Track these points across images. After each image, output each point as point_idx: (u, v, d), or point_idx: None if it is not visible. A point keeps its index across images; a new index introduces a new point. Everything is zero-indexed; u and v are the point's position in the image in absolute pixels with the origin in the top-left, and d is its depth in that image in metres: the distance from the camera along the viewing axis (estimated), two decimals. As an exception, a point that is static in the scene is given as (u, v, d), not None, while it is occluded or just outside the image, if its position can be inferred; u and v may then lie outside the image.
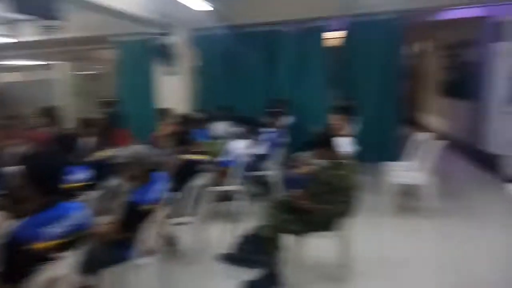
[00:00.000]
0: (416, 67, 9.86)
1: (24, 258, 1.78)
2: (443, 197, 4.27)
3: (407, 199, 4.31)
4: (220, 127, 5.13)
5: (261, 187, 4.63)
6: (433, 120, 8.87)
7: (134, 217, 2.45)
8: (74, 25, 4.61)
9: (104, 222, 2.48)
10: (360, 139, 4.56)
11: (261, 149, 4.65)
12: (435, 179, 4.07)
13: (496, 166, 5.28)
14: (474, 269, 3.02)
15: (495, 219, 3.96)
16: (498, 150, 5.40)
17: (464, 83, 6.78)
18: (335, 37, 5.83)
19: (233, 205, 4.17)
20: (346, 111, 4.60)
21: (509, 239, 3.50)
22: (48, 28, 3.62)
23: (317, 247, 2.97)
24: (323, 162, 2.96)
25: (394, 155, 4.98)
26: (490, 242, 3.47)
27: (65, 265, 1.88)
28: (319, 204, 2.78)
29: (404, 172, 4.27)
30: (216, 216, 4.01)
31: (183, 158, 3.50)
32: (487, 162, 5.60)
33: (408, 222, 3.95)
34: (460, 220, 3.96)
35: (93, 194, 3.07)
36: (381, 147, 5.24)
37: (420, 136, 4.51)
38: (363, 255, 3.17)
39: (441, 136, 4.69)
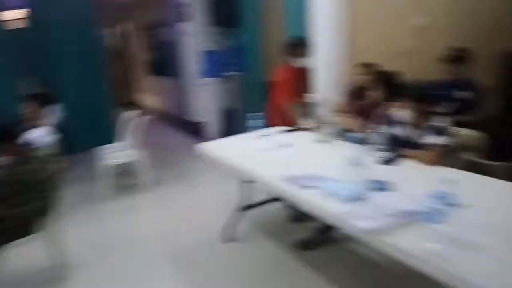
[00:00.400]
0: (123, 48, 9.95)
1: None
2: (158, 169, 4.54)
3: (125, 179, 4.35)
4: None
5: None
6: (147, 98, 9.28)
7: None
8: None
9: None
10: (66, 127, 4.21)
11: None
12: (148, 153, 4.25)
13: (198, 132, 6.05)
14: (191, 229, 3.32)
15: (201, 179, 4.55)
16: (197, 117, 6.19)
17: (166, 62, 7.32)
18: (17, 16, 5.04)
19: None
20: (41, 98, 4.13)
21: (214, 194, 4.09)
22: None
23: (25, 255, 2.57)
24: (9, 159, 2.53)
25: (108, 138, 4.87)
26: (200, 200, 3.95)
27: None
28: (10, 208, 2.37)
29: (118, 152, 4.25)
30: None
31: None
32: (192, 129, 6.35)
33: (127, 201, 4.00)
34: (174, 187, 4.31)
35: None
36: (93, 132, 5.04)
37: (131, 114, 4.56)
38: (83, 247, 2.99)
39: (154, 112, 4.94)
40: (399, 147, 2.33)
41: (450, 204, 1.36)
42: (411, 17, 4.03)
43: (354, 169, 1.87)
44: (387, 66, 3.37)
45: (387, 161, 2.18)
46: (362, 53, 4.02)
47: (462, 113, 3.21)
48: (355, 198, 1.69)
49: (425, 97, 2.19)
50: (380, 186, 1.81)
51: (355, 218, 1.50)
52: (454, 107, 3.25)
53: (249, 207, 3.06)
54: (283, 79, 3.51)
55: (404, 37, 4.54)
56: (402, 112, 2.25)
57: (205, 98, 5.71)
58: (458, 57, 3.18)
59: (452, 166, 2.04)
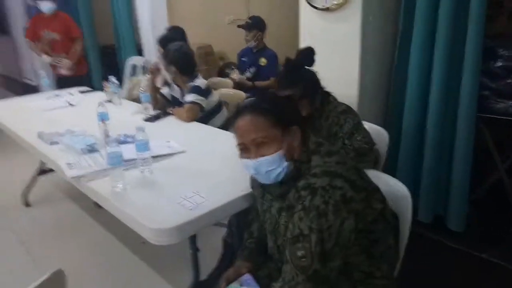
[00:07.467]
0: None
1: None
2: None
3: None
4: None
5: None
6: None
7: None
8: None
9: None
10: None
11: None
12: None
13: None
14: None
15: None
16: (34, 81, 5.73)
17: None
18: None
19: None
20: None
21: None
22: None
23: None
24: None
25: None
26: (14, 166, 3.76)
27: None
28: None
29: None
30: None
31: None
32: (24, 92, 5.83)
33: None
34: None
35: None
36: None
37: None
38: None
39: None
40: (170, 106, 2.54)
41: (144, 149, 1.58)
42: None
43: (101, 125, 2.02)
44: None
45: (151, 118, 2.37)
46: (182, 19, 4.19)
47: (258, 78, 3.58)
48: (88, 150, 1.83)
49: (185, 59, 2.40)
50: (125, 140, 1.99)
51: (66, 167, 1.64)
52: (252, 72, 3.61)
53: (49, 170, 3.03)
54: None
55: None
56: (168, 74, 2.44)
57: (35, 57, 5.28)
58: (252, 25, 3.49)
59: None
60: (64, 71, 3.84)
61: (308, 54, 1.62)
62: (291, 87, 1.53)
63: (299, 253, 0.95)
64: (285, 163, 1.07)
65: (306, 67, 1.64)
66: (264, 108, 1.08)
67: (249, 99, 1.16)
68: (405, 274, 1.73)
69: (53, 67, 3.93)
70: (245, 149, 1.09)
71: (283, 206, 1.10)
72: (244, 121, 1.08)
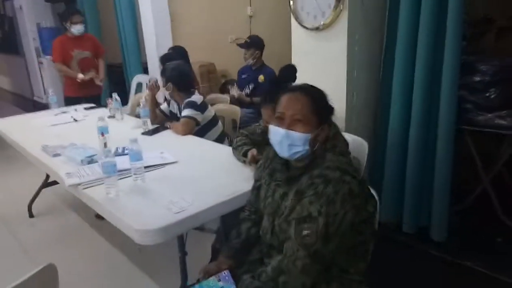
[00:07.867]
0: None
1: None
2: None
3: None
4: None
5: None
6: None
7: None
8: None
9: None
10: None
11: None
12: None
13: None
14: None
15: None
16: (44, 99, 5.95)
17: (8, 38, 6.81)
18: None
19: None
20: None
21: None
22: None
23: None
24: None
25: None
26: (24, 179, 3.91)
27: None
28: None
29: None
30: None
31: None
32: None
33: None
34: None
35: None
36: None
37: None
38: None
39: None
40: (168, 120, 2.67)
41: (137, 159, 1.69)
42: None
43: (101, 138, 2.14)
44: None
45: (149, 132, 2.50)
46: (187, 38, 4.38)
47: (256, 94, 3.71)
48: (88, 161, 1.96)
49: (181, 77, 2.54)
50: (122, 152, 2.11)
51: (65, 176, 1.76)
52: (250, 88, 3.75)
53: (55, 182, 3.16)
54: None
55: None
56: (166, 91, 2.58)
57: (45, 76, 5.53)
58: (250, 44, 3.64)
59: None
60: (99, 83, 4.02)
61: (290, 71, 1.73)
62: (273, 103, 1.64)
63: (305, 232, 1.10)
64: (307, 147, 1.20)
65: (289, 83, 1.75)
66: (314, 95, 1.23)
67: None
68: (389, 282, 1.80)
69: (67, 86, 4.05)
70: (280, 120, 1.23)
71: (287, 191, 1.23)
72: (292, 96, 1.23)
